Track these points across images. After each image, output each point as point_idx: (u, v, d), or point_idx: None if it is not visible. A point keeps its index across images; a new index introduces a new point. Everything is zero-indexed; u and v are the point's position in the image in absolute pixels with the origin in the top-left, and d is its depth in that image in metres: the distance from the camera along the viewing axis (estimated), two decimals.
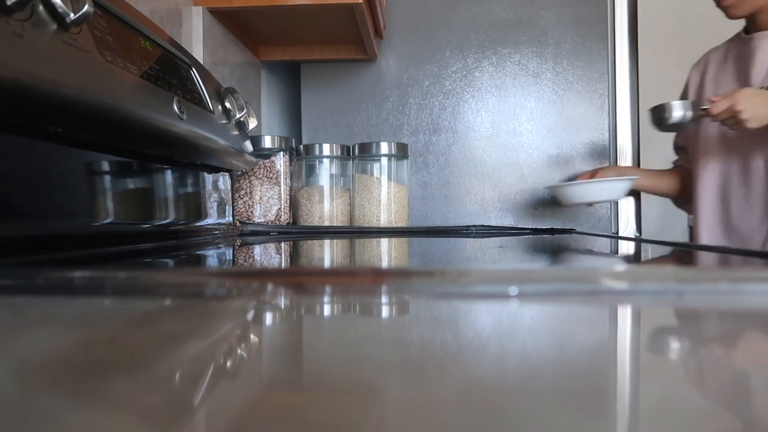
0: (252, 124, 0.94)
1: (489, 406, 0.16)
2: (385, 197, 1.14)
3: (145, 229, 0.69)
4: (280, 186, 1.12)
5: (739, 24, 1.19)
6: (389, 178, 1.15)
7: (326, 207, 1.15)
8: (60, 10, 0.46)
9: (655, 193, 1.39)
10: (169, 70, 0.71)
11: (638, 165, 1.51)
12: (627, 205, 1.54)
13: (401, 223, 1.16)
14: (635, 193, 1.48)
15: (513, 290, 0.32)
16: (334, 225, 1.15)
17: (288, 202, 1.13)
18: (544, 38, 1.57)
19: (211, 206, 0.90)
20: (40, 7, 0.45)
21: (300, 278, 0.36)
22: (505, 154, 1.55)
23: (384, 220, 1.13)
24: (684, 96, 1.30)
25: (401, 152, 1.16)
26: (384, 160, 1.15)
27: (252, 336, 0.26)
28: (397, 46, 1.60)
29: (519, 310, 0.31)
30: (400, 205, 1.16)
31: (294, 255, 0.67)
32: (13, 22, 0.41)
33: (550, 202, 1.50)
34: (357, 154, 1.16)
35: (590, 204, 1.40)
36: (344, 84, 1.62)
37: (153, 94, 0.62)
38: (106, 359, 0.20)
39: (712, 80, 1.24)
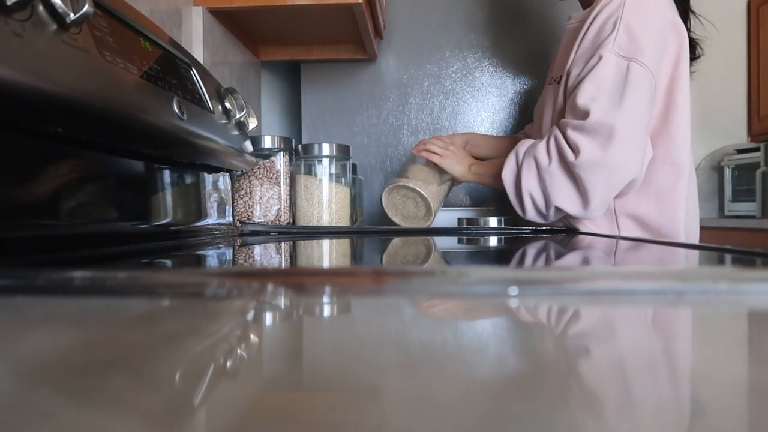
0: (252, 124, 0.94)
1: (489, 407, 0.16)
2: (327, 198, 1.15)
3: (145, 229, 0.69)
4: (280, 186, 1.12)
5: None
6: (330, 179, 1.16)
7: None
8: (60, 10, 0.46)
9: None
10: (169, 70, 0.71)
11: None
12: None
13: (342, 224, 1.17)
14: None
15: (513, 290, 0.32)
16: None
17: (288, 202, 1.14)
18: (545, 38, 1.57)
19: (211, 206, 0.90)
20: (40, 7, 0.45)
21: (300, 278, 0.36)
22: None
23: (326, 220, 1.14)
24: None
25: (343, 153, 1.17)
26: (325, 161, 1.16)
27: (252, 336, 0.26)
28: (397, 46, 1.60)
29: (519, 310, 0.31)
30: (341, 205, 1.17)
31: (294, 255, 0.67)
32: (13, 22, 0.41)
33: None
34: (301, 155, 1.16)
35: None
36: (344, 84, 1.62)
37: (153, 94, 0.62)
38: (106, 359, 0.20)
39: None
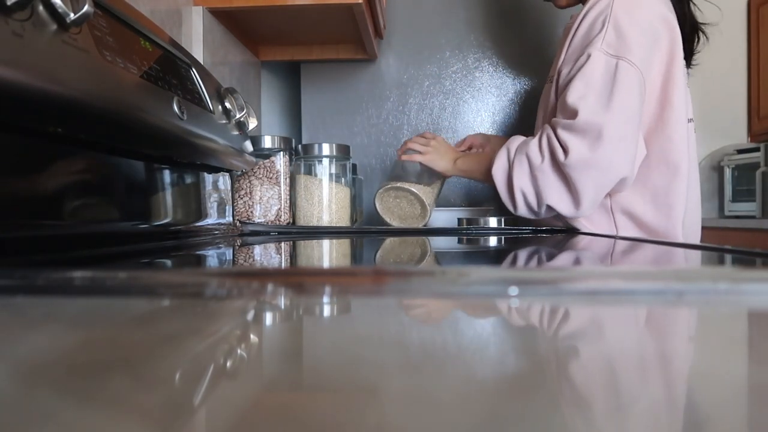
0: (252, 124, 0.94)
1: (489, 407, 0.16)
2: (327, 198, 1.15)
3: (145, 229, 0.69)
4: (280, 186, 1.12)
5: None
6: (330, 179, 1.16)
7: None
8: (60, 10, 0.46)
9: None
10: (169, 70, 0.71)
11: None
12: None
13: (342, 224, 1.17)
14: None
15: (513, 290, 0.32)
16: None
17: (288, 202, 1.14)
18: (546, 38, 1.57)
19: (211, 206, 0.90)
20: (40, 7, 0.45)
21: (300, 278, 0.36)
22: None
23: (326, 220, 1.15)
24: None
25: (343, 153, 1.17)
26: (325, 161, 1.16)
27: (252, 336, 0.26)
28: (397, 46, 1.60)
29: (519, 310, 0.31)
30: (341, 205, 1.17)
31: (294, 255, 0.67)
32: (13, 22, 0.41)
33: None
34: (301, 155, 1.16)
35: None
36: (344, 84, 1.62)
37: (153, 94, 0.62)
38: (106, 359, 0.20)
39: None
